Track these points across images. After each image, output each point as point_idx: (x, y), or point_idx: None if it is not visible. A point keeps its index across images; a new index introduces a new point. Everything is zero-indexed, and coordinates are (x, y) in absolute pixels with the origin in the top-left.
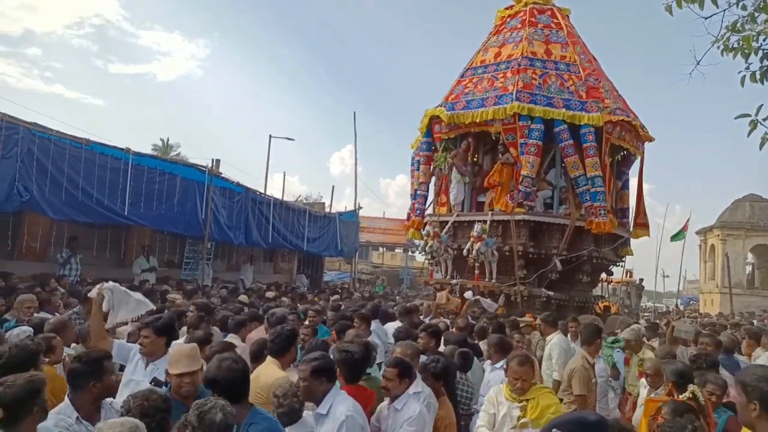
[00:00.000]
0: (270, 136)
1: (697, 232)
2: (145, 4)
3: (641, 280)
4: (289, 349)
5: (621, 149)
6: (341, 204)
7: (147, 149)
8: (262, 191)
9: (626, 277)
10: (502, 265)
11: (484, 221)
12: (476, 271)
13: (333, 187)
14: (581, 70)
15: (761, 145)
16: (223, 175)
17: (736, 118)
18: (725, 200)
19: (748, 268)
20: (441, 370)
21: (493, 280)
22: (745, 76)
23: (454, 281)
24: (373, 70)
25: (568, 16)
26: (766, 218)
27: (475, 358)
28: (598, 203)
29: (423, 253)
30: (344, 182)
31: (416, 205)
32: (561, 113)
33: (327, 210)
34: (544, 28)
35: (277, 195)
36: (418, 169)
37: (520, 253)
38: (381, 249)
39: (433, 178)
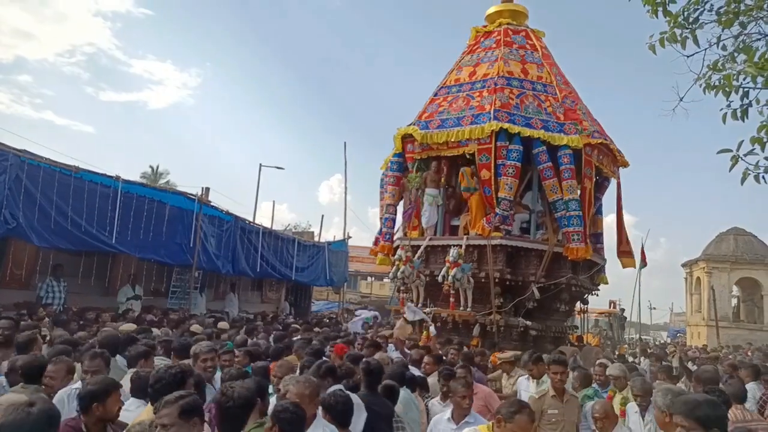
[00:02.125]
0: (260, 165)
1: (683, 265)
2: (137, 34)
3: (623, 310)
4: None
5: (596, 174)
6: (330, 233)
7: (136, 177)
8: (251, 220)
9: (610, 307)
10: (477, 292)
11: (460, 245)
12: (452, 299)
13: (323, 216)
14: (558, 92)
15: (743, 180)
16: (212, 204)
17: (718, 153)
18: (710, 233)
19: (734, 301)
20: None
21: (468, 309)
22: (726, 113)
23: (426, 309)
24: (362, 99)
25: (541, 38)
26: (751, 252)
27: (411, 393)
28: (572, 228)
29: (394, 279)
30: (333, 211)
31: (384, 230)
32: (540, 134)
33: (316, 239)
34: (519, 48)
35: (266, 223)
36: (386, 192)
37: (496, 279)
38: (369, 278)
39: (403, 201)
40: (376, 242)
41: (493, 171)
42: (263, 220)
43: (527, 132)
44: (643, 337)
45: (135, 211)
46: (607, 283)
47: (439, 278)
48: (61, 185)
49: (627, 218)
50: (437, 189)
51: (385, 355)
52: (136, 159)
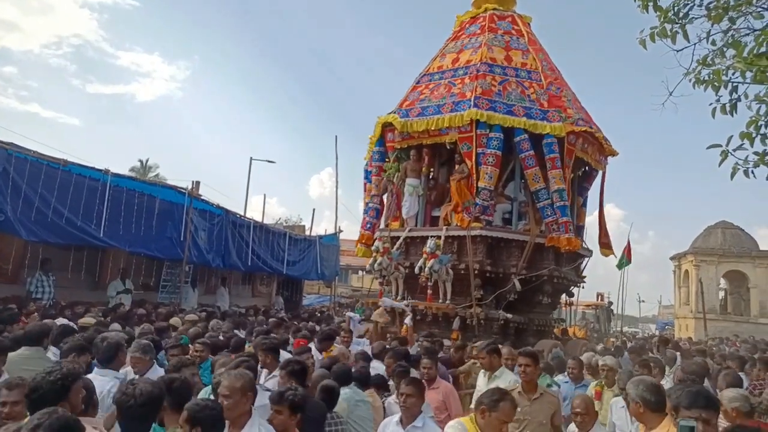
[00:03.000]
0: (251, 159)
1: (672, 258)
2: (124, 26)
3: (610, 303)
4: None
5: (583, 164)
6: (321, 227)
7: (125, 170)
8: (242, 213)
9: (597, 300)
10: (457, 285)
11: (438, 236)
12: (429, 292)
13: (314, 209)
14: (543, 78)
15: (732, 175)
16: (202, 197)
17: (707, 148)
18: (697, 227)
19: (721, 294)
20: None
21: (448, 301)
22: (715, 108)
23: (405, 302)
24: (352, 93)
25: (529, 23)
26: (738, 245)
27: (360, 391)
28: (564, 218)
29: (372, 271)
30: (323, 205)
31: (367, 219)
32: (521, 122)
33: (307, 233)
34: (505, 34)
35: (257, 217)
36: (370, 181)
37: (476, 271)
38: (361, 272)
39: (386, 191)
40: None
41: (474, 160)
42: (254, 214)
43: (508, 120)
44: (630, 329)
45: (125, 204)
46: (584, 279)
47: (416, 270)
48: (49, 178)
49: (615, 212)
50: (418, 179)
51: (344, 349)
52: (125, 152)
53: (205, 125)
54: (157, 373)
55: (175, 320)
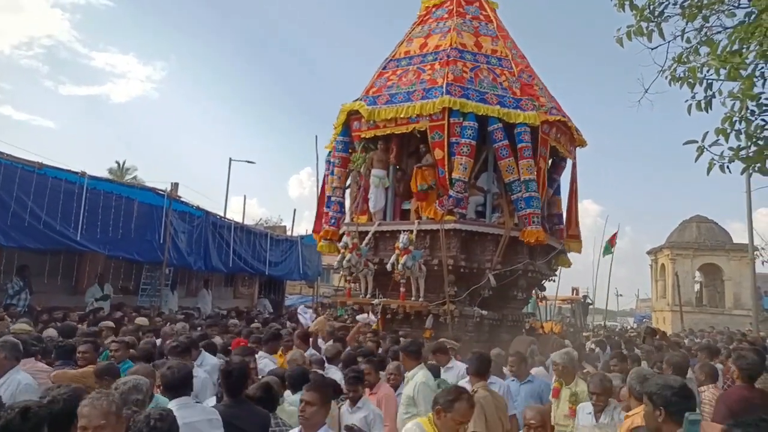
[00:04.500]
0: (230, 159)
1: (648, 252)
2: (98, 26)
3: (585, 297)
4: None
5: (552, 154)
6: (302, 227)
7: (102, 173)
8: (222, 215)
9: (573, 294)
10: (429, 281)
11: (410, 231)
12: (402, 289)
13: (294, 210)
14: (514, 66)
15: (708, 170)
16: (182, 199)
17: (684, 144)
18: (673, 222)
19: (697, 287)
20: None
21: (421, 299)
22: (691, 104)
23: (375, 300)
24: (332, 92)
25: (495, 10)
26: (712, 238)
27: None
28: (531, 209)
29: (340, 268)
30: (303, 205)
31: (330, 214)
32: (495, 110)
33: (288, 233)
34: (473, 19)
35: (237, 218)
36: (332, 173)
37: (450, 267)
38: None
39: (350, 184)
40: (316, 227)
41: (446, 150)
42: (234, 215)
43: (482, 108)
44: (609, 323)
45: (102, 207)
46: (568, 265)
47: (388, 266)
48: (24, 182)
49: (593, 207)
50: (384, 170)
51: (298, 352)
52: (101, 154)
53: (182, 126)
54: (13, 378)
55: (140, 320)
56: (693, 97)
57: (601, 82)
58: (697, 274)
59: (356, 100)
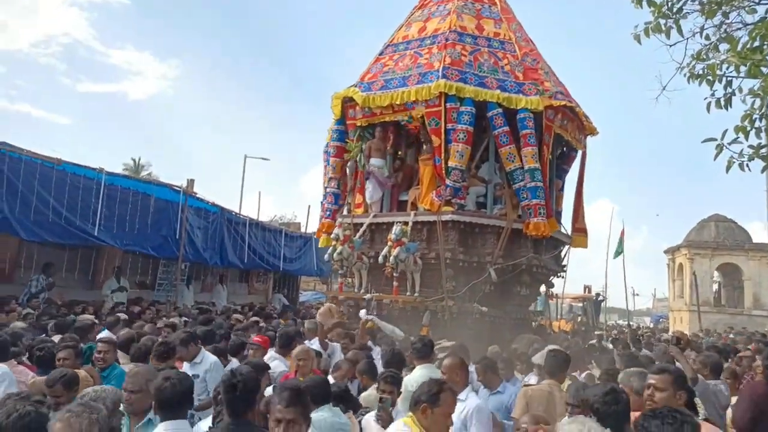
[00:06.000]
0: (245, 156)
1: (665, 252)
2: (114, 24)
3: (598, 295)
4: None
5: (561, 143)
6: (316, 223)
7: (118, 169)
8: (237, 211)
9: (584, 292)
10: (427, 275)
11: (405, 222)
12: (395, 283)
13: (309, 206)
14: (517, 49)
15: (728, 169)
16: (197, 195)
17: (703, 142)
18: (691, 221)
19: (715, 286)
20: None
21: (416, 294)
22: (710, 102)
23: (368, 296)
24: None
25: None
26: (731, 238)
27: (338, 412)
28: (536, 200)
29: (331, 261)
30: (317, 201)
31: (325, 205)
32: (495, 95)
33: (302, 230)
34: (476, 2)
35: (252, 215)
36: (327, 163)
37: (448, 260)
38: None
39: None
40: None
41: (443, 137)
42: (249, 211)
43: (480, 93)
44: (623, 322)
45: (119, 203)
46: (586, 246)
47: (380, 259)
48: (44, 178)
49: (608, 206)
50: (382, 159)
51: (305, 347)
52: (117, 151)
53: (197, 123)
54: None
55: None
56: (712, 95)
57: (617, 80)
58: (716, 273)
59: (351, 86)
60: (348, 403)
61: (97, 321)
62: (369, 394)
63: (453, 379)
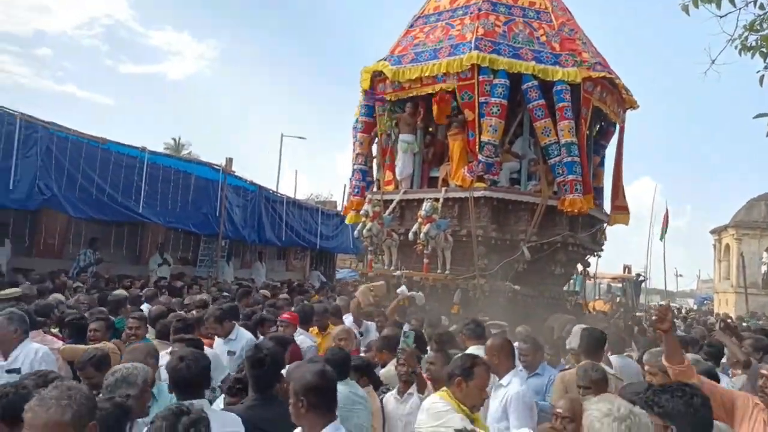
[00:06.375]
0: (282, 135)
1: (712, 232)
2: (154, 5)
3: (639, 275)
4: None
5: (599, 118)
6: None
7: (159, 148)
8: (274, 189)
9: (624, 272)
10: (458, 253)
11: (436, 199)
12: (425, 261)
13: (345, 185)
14: (554, 19)
15: None
16: (236, 174)
17: (754, 117)
18: (740, 200)
19: (764, 268)
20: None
21: (447, 272)
22: (763, 75)
23: (397, 272)
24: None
25: None
26: None
27: (356, 386)
28: (572, 176)
29: (360, 238)
30: None
31: (353, 182)
32: (530, 66)
33: (338, 208)
34: None
35: (289, 194)
36: (355, 139)
37: (480, 238)
38: None
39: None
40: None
41: (476, 111)
42: (285, 190)
43: (515, 65)
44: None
45: (161, 181)
46: (626, 224)
47: (410, 236)
48: (89, 157)
49: (651, 184)
50: (413, 134)
51: (345, 327)
52: (158, 131)
53: (235, 102)
54: (29, 348)
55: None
56: (766, 68)
57: (661, 53)
58: (765, 254)
59: (381, 60)
60: (368, 377)
61: (142, 295)
62: (388, 370)
63: (494, 362)
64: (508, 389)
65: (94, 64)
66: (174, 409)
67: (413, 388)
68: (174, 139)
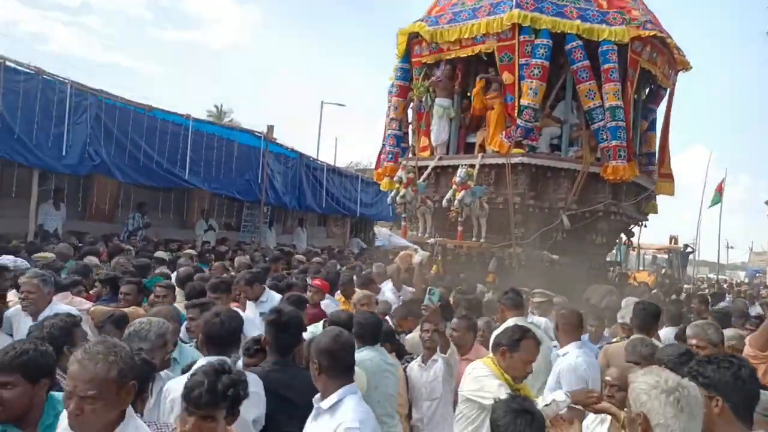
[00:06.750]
0: (322, 102)
1: (767, 202)
2: None
3: (686, 246)
4: None
5: (648, 81)
6: None
7: (202, 115)
8: (315, 157)
9: (670, 243)
10: (494, 220)
11: (472, 165)
12: (459, 228)
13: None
14: None
15: None
16: (277, 141)
17: None
18: None
19: None
20: None
21: (482, 240)
22: None
23: (431, 240)
24: None
25: None
26: None
27: (386, 354)
28: (616, 141)
29: (394, 204)
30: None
31: (387, 148)
32: (575, 25)
33: None
34: None
35: (329, 161)
36: (390, 103)
37: (517, 205)
38: None
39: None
40: (377, 164)
41: (516, 74)
42: (325, 157)
43: (558, 24)
44: (713, 276)
45: (205, 148)
46: (656, 212)
47: (444, 202)
48: (136, 124)
49: (703, 152)
50: (449, 99)
51: (366, 293)
52: (200, 97)
53: (276, 70)
54: (57, 309)
55: (159, 253)
56: None
57: (717, 13)
58: None
59: (417, 21)
60: (394, 344)
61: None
62: (413, 337)
63: (558, 333)
64: (564, 360)
65: (139, 33)
66: (216, 366)
67: (437, 354)
68: (216, 107)
